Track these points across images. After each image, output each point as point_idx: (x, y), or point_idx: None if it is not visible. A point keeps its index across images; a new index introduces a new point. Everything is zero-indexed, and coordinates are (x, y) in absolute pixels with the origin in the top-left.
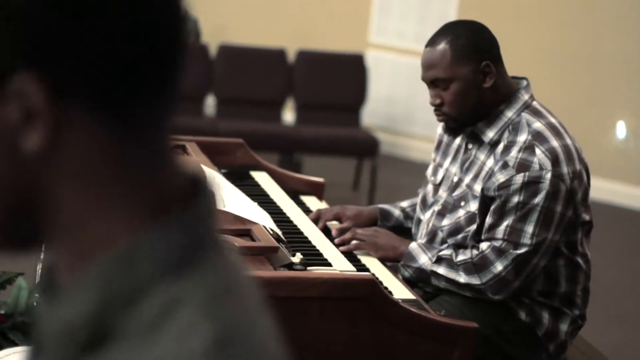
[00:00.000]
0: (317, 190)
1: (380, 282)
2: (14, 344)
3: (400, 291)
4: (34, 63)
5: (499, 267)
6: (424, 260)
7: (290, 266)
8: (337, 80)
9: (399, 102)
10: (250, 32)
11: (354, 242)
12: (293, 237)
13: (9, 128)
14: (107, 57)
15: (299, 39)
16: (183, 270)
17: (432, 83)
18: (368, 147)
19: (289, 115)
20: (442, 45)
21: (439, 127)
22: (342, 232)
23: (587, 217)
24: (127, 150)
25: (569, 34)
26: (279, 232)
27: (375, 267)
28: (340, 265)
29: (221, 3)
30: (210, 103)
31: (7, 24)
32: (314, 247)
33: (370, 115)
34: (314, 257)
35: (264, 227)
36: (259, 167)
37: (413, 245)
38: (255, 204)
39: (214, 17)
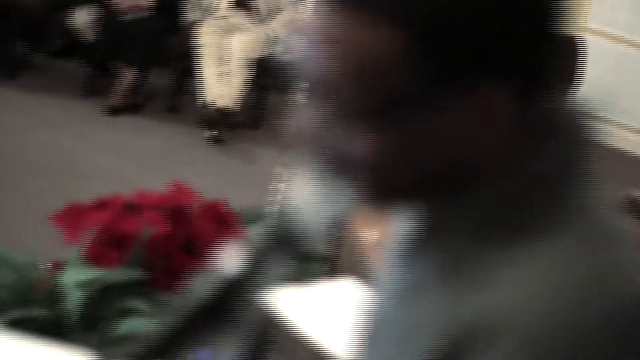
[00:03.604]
0: None
1: None
2: None
3: None
4: (503, 77)
5: None
6: None
7: None
8: None
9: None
10: None
11: None
12: None
13: (462, 128)
14: (533, 50)
15: None
16: (563, 189)
17: None
18: None
19: None
20: None
21: None
22: None
23: None
24: (530, 106)
25: None
26: None
27: None
28: None
29: None
30: None
31: (487, 47)
32: None
33: None
34: None
35: None
36: None
37: None
38: None
39: None
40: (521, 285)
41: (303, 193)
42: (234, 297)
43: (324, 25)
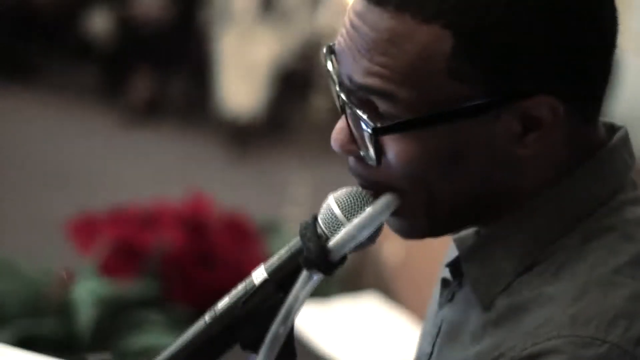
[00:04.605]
0: None
1: None
2: None
3: None
4: (551, 87)
5: None
6: None
7: None
8: None
9: None
10: None
11: None
12: None
13: (506, 137)
14: (586, 64)
15: None
16: (606, 206)
17: None
18: None
19: None
20: None
21: None
22: None
23: None
24: (575, 121)
25: None
26: None
27: None
28: None
29: None
30: None
31: (537, 55)
32: None
33: None
34: None
35: None
36: None
37: None
38: None
39: None
40: (561, 313)
41: (335, 206)
42: (258, 315)
43: (366, 25)
